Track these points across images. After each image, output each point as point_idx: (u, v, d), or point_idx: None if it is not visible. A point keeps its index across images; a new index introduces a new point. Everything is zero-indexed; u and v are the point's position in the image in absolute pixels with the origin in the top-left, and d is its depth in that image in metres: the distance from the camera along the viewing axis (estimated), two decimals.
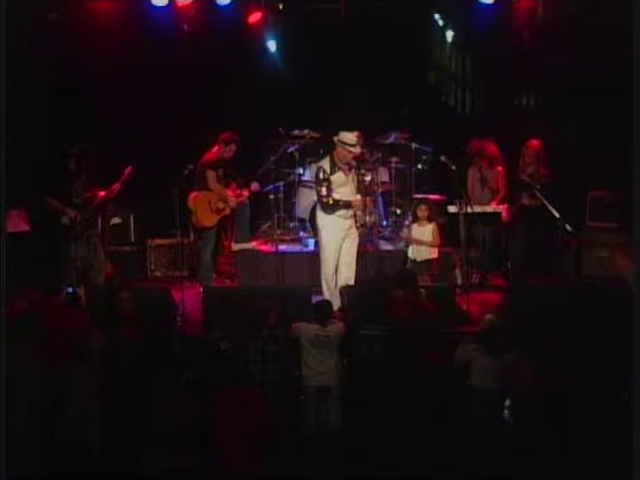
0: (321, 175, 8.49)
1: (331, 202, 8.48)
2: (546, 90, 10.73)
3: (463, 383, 6.62)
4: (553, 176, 9.24)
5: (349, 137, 8.46)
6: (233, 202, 9.45)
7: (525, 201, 9.27)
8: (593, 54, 9.86)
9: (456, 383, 6.70)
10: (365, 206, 8.58)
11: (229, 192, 9.50)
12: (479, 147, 9.65)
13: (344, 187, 8.53)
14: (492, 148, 9.67)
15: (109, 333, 6.49)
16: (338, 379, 6.90)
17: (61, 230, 8.88)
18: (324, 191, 8.49)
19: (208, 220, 9.43)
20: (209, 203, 9.40)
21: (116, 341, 6.50)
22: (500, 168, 9.66)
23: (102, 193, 9.02)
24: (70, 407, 5.85)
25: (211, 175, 9.34)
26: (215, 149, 9.46)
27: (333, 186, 8.48)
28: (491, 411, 6.40)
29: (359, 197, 8.51)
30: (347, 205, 8.48)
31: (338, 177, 8.51)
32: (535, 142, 9.42)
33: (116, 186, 9.03)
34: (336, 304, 8.05)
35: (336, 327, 7.01)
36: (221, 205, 9.43)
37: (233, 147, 9.44)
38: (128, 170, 9.05)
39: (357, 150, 8.56)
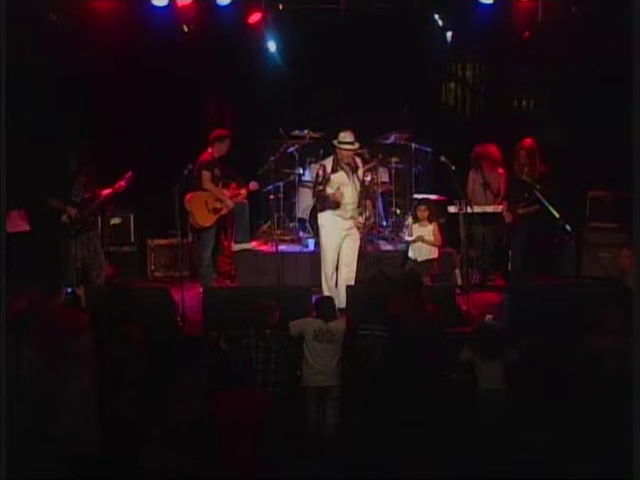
0: (320, 172, 8.55)
1: (323, 194, 8.51)
2: (546, 90, 10.73)
3: (465, 384, 6.63)
4: (552, 172, 9.23)
5: (345, 136, 8.50)
6: (230, 202, 9.43)
7: (520, 211, 9.25)
8: (593, 54, 9.87)
9: (457, 383, 6.71)
10: (358, 206, 8.59)
11: (227, 192, 9.50)
12: (482, 151, 9.65)
13: (345, 187, 8.55)
14: (494, 150, 9.67)
15: (110, 333, 6.48)
16: (338, 379, 6.89)
17: (61, 230, 8.88)
18: (320, 187, 8.54)
19: (205, 220, 9.41)
20: (205, 203, 9.37)
21: (116, 341, 6.50)
22: (501, 171, 9.65)
23: (107, 191, 9.02)
24: (70, 407, 5.84)
25: (206, 175, 9.32)
26: (210, 149, 9.45)
27: (333, 185, 8.53)
28: (497, 412, 6.40)
29: (340, 191, 8.51)
30: (335, 201, 8.48)
31: (339, 177, 8.55)
32: (527, 141, 9.38)
33: (121, 184, 9.02)
34: (337, 304, 8.05)
35: (339, 323, 7.03)
36: (218, 205, 9.41)
37: (226, 143, 9.41)
38: (129, 175, 9.06)
39: (355, 147, 8.59)
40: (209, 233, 9.51)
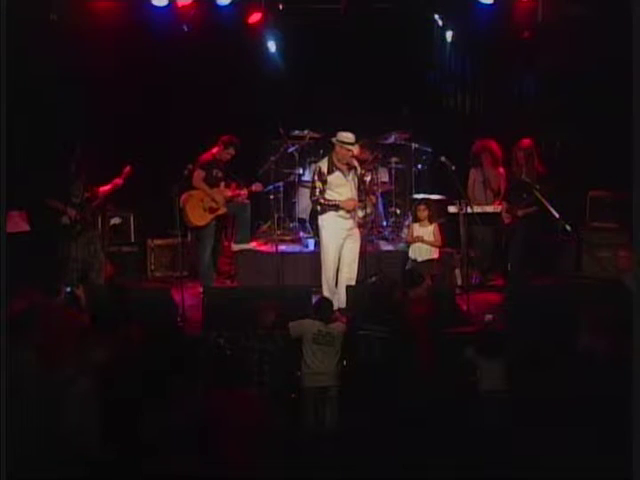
0: (316, 177, 8.53)
1: (322, 202, 8.50)
2: (546, 90, 10.73)
3: (465, 384, 6.62)
4: (552, 172, 9.23)
5: (347, 136, 8.48)
6: (221, 201, 9.41)
7: (520, 212, 9.26)
8: (593, 54, 9.87)
9: (457, 384, 6.70)
10: (355, 207, 8.56)
11: (229, 192, 9.50)
12: (483, 145, 9.65)
13: (343, 187, 8.54)
14: (495, 145, 9.69)
15: (109, 333, 6.48)
16: (337, 380, 6.88)
17: (61, 230, 8.88)
18: (317, 192, 8.52)
19: (200, 219, 9.40)
20: (201, 202, 9.38)
21: (116, 342, 6.49)
22: (502, 170, 9.66)
23: (106, 187, 9.01)
24: (70, 407, 5.84)
25: (198, 174, 9.31)
26: (214, 150, 9.46)
27: (331, 187, 8.51)
28: (497, 412, 6.40)
29: (350, 197, 8.50)
30: (337, 207, 8.48)
31: (336, 177, 8.52)
32: (525, 142, 9.40)
33: (118, 180, 9.01)
34: (337, 304, 8.05)
35: (338, 325, 7.01)
36: (214, 204, 9.41)
37: (231, 150, 9.43)
38: (127, 169, 9.06)
39: (356, 148, 8.57)
40: (208, 233, 9.50)
